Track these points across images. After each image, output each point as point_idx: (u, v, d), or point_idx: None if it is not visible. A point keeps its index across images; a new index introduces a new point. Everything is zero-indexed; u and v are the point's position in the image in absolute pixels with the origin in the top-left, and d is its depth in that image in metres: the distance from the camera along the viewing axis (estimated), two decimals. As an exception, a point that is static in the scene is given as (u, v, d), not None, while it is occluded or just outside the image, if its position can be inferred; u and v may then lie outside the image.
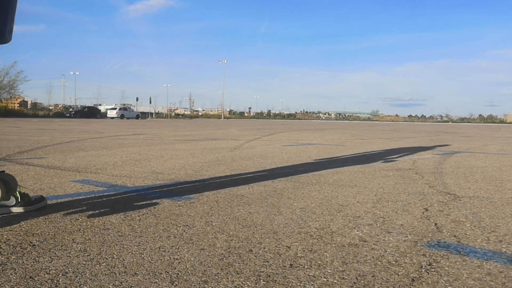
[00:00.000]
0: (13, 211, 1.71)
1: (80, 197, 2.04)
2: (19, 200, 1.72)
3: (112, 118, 40.08)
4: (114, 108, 43.86)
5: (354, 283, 1.06)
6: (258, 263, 1.19)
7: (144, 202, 1.95)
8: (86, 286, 1.02)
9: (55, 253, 1.24)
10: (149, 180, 2.60)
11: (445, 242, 1.41)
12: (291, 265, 1.18)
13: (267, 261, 1.20)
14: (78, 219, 1.63)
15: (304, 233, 1.49)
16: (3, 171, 1.65)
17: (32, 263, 1.16)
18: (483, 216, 1.78)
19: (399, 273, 1.12)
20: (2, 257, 1.21)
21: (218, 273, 1.11)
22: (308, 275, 1.11)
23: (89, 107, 45.96)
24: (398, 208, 1.92)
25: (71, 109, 44.07)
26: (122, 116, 41.99)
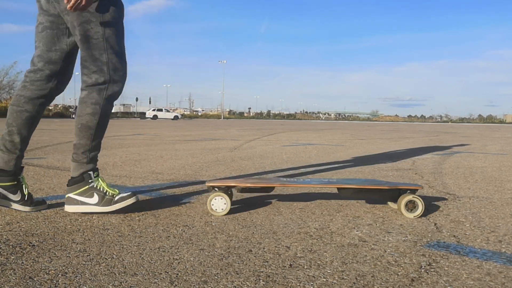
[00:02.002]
0: (14, 207, 1.70)
1: (80, 197, 2.04)
2: (26, 198, 1.71)
3: (152, 118, 44.09)
4: (148, 110, 49.21)
5: (354, 283, 1.06)
6: (257, 263, 1.19)
7: (144, 202, 1.95)
8: (85, 286, 1.02)
9: (55, 253, 1.24)
10: (148, 180, 2.60)
11: (444, 242, 1.41)
12: (290, 265, 1.18)
13: (267, 261, 1.20)
14: (78, 219, 1.63)
15: (304, 233, 1.49)
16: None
17: (31, 263, 1.16)
18: (483, 216, 1.78)
19: (399, 273, 1.12)
20: (1, 257, 1.21)
21: (217, 273, 1.11)
22: (308, 275, 1.11)
23: None
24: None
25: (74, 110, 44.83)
26: (155, 117, 45.37)
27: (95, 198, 1.67)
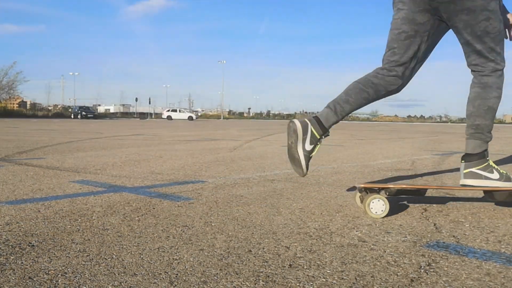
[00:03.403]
0: (495, 184, 1.83)
1: (79, 198, 2.04)
2: (503, 176, 1.84)
3: (167, 119, 44.01)
4: (163, 110, 49.78)
5: (353, 283, 1.06)
6: (257, 263, 1.19)
7: (143, 203, 1.95)
8: (85, 286, 1.02)
9: (54, 254, 1.24)
10: (148, 181, 2.60)
11: (444, 242, 1.41)
12: (290, 265, 1.18)
13: (266, 262, 1.20)
14: (77, 220, 1.63)
15: (303, 233, 1.49)
16: None
17: (31, 263, 1.16)
18: (482, 216, 1.78)
19: (398, 274, 1.13)
20: (1, 257, 1.20)
21: (217, 273, 1.11)
22: (307, 275, 1.11)
23: (86, 107, 47.05)
24: (397, 208, 1.92)
25: (80, 110, 44.48)
26: (169, 118, 44.88)
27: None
